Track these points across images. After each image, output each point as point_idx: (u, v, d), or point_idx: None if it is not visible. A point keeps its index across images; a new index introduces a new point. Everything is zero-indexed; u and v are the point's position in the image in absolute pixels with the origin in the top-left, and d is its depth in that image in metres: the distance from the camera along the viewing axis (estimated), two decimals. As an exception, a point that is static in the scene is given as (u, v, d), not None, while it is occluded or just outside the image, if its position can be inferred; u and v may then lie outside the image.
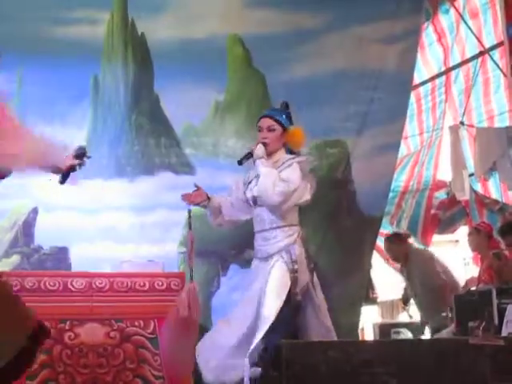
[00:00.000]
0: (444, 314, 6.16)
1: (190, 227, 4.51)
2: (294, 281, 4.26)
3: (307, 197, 4.36)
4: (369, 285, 7.43)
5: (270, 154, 4.40)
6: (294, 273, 4.29)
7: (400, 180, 7.63)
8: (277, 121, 4.45)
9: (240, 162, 4.39)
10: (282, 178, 4.29)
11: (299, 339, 4.20)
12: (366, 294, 7.29)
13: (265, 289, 4.22)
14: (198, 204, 4.50)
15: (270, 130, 4.43)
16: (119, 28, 6.35)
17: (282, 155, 4.42)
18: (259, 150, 4.35)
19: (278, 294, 4.23)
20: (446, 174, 7.49)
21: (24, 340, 3.22)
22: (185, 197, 4.49)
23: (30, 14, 5.99)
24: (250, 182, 4.48)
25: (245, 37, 6.40)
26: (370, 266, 6.90)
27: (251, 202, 4.44)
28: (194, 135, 6.45)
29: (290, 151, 4.45)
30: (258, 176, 4.36)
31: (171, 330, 4.42)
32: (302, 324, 4.28)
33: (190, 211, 4.52)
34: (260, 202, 4.37)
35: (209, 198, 4.49)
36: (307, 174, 4.39)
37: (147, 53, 6.37)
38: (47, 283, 4.68)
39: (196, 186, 4.51)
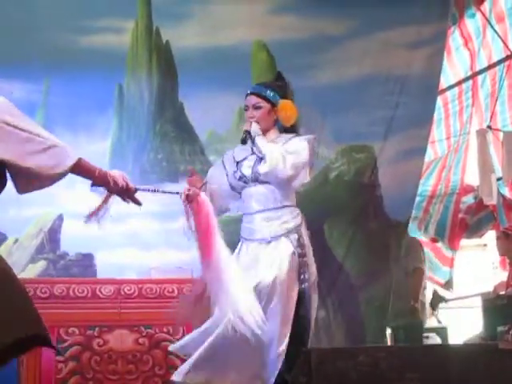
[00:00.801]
0: None
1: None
2: (303, 265, 4.10)
3: (308, 179, 4.23)
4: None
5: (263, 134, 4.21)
6: (303, 257, 4.11)
7: (427, 184, 7.58)
8: (263, 97, 4.24)
9: (244, 141, 4.19)
10: (290, 151, 4.12)
11: None
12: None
13: (275, 280, 4.00)
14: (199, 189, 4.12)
15: (256, 107, 4.23)
16: (144, 36, 6.38)
17: (276, 134, 4.25)
18: (255, 127, 4.18)
19: (292, 288, 4.05)
20: (473, 178, 7.43)
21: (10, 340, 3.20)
22: (191, 181, 4.15)
23: (55, 23, 6.04)
24: (241, 161, 4.27)
25: (270, 43, 6.41)
26: (395, 270, 6.85)
27: (247, 180, 4.21)
28: (218, 142, 6.44)
29: (285, 130, 4.27)
30: (254, 153, 4.19)
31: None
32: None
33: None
34: (267, 178, 4.13)
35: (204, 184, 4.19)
36: (313, 155, 4.24)
37: (172, 61, 6.39)
38: (76, 290, 4.72)
39: (191, 170, 4.29)
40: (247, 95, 4.30)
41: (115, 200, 5.98)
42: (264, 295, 4.01)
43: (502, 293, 6.05)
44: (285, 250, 4.11)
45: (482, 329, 5.78)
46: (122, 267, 5.74)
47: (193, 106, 6.35)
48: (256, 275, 4.06)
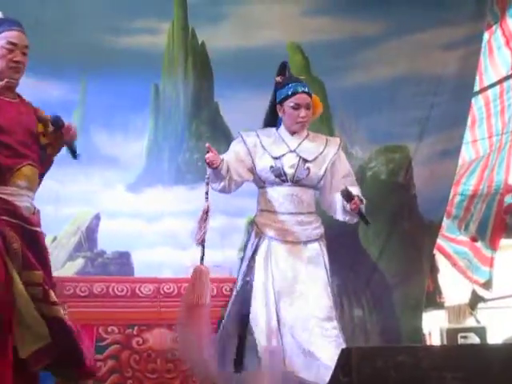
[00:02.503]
0: None
1: (207, 196, 4.17)
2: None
3: None
4: (436, 289, 7.39)
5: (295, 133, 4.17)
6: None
7: (469, 184, 7.55)
8: (310, 96, 4.19)
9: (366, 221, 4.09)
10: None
11: None
12: (433, 298, 7.25)
13: (312, 283, 3.99)
14: (217, 166, 4.06)
15: (308, 107, 4.16)
16: (179, 37, 6.43)
17: (305, 131, 4.22)
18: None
19: (328, 294, 4.04)
20: (516, 177, 7.39)
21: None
22: (209, 157, 4.05)
23: (92, 24, 6.10)
24: (279, 157, 4.14)
25: (304, 45, 6.43)
26: (428, 270, 6.86)
27: (286, 179, 4.10)
28: (253, 143, 6.48)
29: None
30: (293, 151, 4.12)
31: (180, 321, 4.08)
32: None
33: (207, 181, 4.15)
34: (311, 182, 4.09)
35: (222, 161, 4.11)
36: None
37: (207, 61, 6.43)
38: (115, 289, 4.79)
39: (208, 147, 4.09)
40: (296, 93, 4.17)
41: (150, 200, 6.13)
42: (308, 297, 4.01)
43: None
44: (322, 254, 4.11)
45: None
46: (159, 265, 5.81)
47: (228, 107, 6.39)
48: (296, 280, 4.04)
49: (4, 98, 3.58)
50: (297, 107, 4.16)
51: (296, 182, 4.15)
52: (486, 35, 6.87)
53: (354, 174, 4.30)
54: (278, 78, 4.33)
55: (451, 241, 7.39)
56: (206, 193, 4.16)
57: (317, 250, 4.11)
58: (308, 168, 4.18)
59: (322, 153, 4.22)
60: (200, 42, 6.44)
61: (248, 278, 4.14)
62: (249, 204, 6.10)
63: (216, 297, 4.84)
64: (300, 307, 4.02)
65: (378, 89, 6.42)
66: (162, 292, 4.86)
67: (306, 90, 4.21)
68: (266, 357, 3.95)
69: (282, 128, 4.29)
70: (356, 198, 4.02)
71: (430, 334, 7.42)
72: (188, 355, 4.01)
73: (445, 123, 6.58)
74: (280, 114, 4.27)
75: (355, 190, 4.11)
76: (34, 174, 3.60)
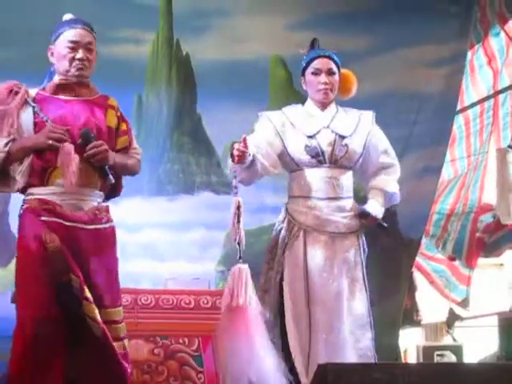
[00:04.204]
0: None
1: (236, 191, 3.69)
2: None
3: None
4: (413, 307, 7.38)
5: (326, 106, 3.82)
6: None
7: (446, 203, 7.56)
8: (335, 62, 3.86)
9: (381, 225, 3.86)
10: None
11: None
12: (410, 316, 7.24)
13: (352, 279, 3.69)
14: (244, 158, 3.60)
15: (330, 73, 3.82)
16: (164, 48, 6.44)
17: (335, 106, 3.88)
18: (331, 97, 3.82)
19: (365, 297, 3.74)
20: (492, 197, 7.41)
21: None
22: (240, 154, 3.60)
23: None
24: (313, 135, 3.77)
25: (287, 58, 6.43)
26: (406, 288, 6.85)
27: (324, 160, 3.71)
28: (234, 156, 6.47)
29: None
30: (327, 127, 3.76)
31: (221, 325, 3.62)
32: None
33: (235, 174, 3.67)
34: (350, 163, 3.72)
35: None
36: None
37: (191, 73, 6.44)
38: (93, 299, 4.73)
39: (244, 139, 3.62)
40: (316, 58, 3.86)
41: (129, 211, 6.09)
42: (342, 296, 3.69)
43: (519, 312, 6.04)
44: (360, 251, 3.80)
45: (497, 348, 5.76)
46: (137, 277, 5.76)
47: (210, 119, 6.40)
48: (333, 279, 3.72)
49: (61, 96, 3.54)
50: (317, 72, 3.85)
51: (334, 162, 3.77)
52: (468, 54, 6.88)
53: (392, 149, 3.97)
54: (304, 50, 4.03)
55: (429, 259, 7.40)
56: (235, 187, 3.68)
57: (355, 246, 3.80)
58: (346, 145, 3.81)
59: (357, 127, 3.89)
60: (184, 54, 6.46)
61: (277, 276, 3.77)
62: (228, 217, 6.11)
63: (194, 309, 4.84)
64: (335, 312, 3.72)
65: (361, 105, 6.39)
66: (140, 303, 4.81)
67: (328, 54, 3.87)
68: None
69: (309, 102, 3.93)
70: (370, 218, 3.77)
71: (406, 351, 7.43)
72: (231, 368, 3.51)
73: (427, 141, 6.60)
74: (304, 87, 3.96)
75: (375, 206, 3.82)
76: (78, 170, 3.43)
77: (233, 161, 3.65)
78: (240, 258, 3.62)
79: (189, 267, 6.11)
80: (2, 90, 3.54)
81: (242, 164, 3.64)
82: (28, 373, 3.25)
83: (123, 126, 3.72)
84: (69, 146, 3.41)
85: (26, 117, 3.49)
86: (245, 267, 3.60)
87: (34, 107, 3.51)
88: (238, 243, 3.62)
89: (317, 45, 3.99)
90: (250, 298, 3.54)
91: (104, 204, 3.59)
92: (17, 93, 3.52)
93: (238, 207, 3.65)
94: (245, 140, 3.63)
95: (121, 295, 3.53)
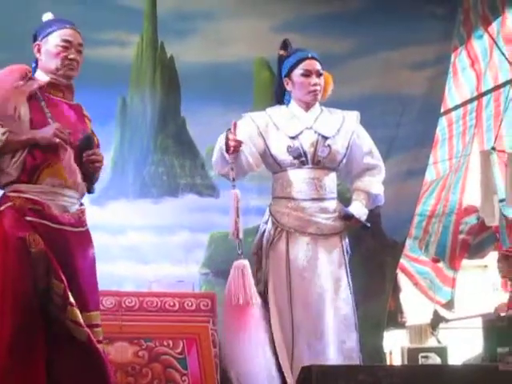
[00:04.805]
0: None
1: (234, 184, 3.71)
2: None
3: None
4: (397, 309, 7.40)
5: (310, 107, 3.81)
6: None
7: (428, 204, 7.60)
8: (320, 64, 3.92)
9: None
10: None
11: None
12: (394, 317, 7.25)
13: (338, 283, 3.69)
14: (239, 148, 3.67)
15: (318, 74, 3.87)
16: (148, 50, 6.42)
17: (319, 107, 3.88)
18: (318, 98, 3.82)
19: (349, 299, 3.77)
20: (475, 199, 7.45)
21: None
22: (236, 143, 3.69)
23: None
24: (295, 136, 3.80)
25: (272, 60, 6.42)
26: (390, 290, 6.87)
27: (306, 161, 3.74)
28: (217, 158, 6.47)
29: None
30: (310, 128, 3.77)
31: (224, 325, 3.75)
32: None
33: (232, 166, 3.72)
34: (333, 164, 3.73)
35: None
36: None
37: (175, 75, 6.42)
38: (77, 301, 4.71)
39: (234, 124, 3.73)
40: (305, 59, 3.89)
41: (114, 213, 6.07)
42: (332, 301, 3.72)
43: (503, 314, 6.06)
44: (343, 252, 3.81)
45: (482, 350, 5.79)
46: (121, 279, 5.74)
47: (194, 122, 6.38)
48: (316, 281, 3.73)
49: (50, 95, 3.50)
50: (307, 74, 3.86)
51: (317, 163, 3.81)
52: (451, 57, 6.91)
53: (377, 150, 3.98)
54: (282, 52, 4.04)
55: (414, 260, 7.43)
56: (233, 179, 3.74)
57: (338, 247, 3.81)
58: (329, 145, 3.86)
59: (340, 128, 3.91)
60: (168, 56, 6.43)
61: (261, 277, 3.80)
62: (212, 219, 6.12)
63: (178, 311, 4.83)
64: (318, 312, 3.74)
65: (345, 107, 6.41)
66: (124, 305, 4.79)
67: (315, 56, 3.92)
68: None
69: (293, 104, 3.94)
70: (354, 220, 3.80)
71: (390, 353, 7.45)
72: (234, 366, 3.62)
73: (411, 143, 6.60)
74: (288, 88, 3.94)
75: (359, 208, 3.83)
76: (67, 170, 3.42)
77: (227, 151, 3.67)
78: (241, 253, 3.67)
79: (173, 270, 6.09)
80: (14, 71, 3.47)
81: (236, 154, 3.69)
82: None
83: (96, 140, 3.71)
84: (71, 152, 3.38)
85: (25, 109, 3.40)
86: (246, 263, 3.65)
87: (41, 100, 3.44)
88: (238, 238, 3.65)
89: (289, 45, 4.03)
90: (252, 294, 3.59)
91: (83, 207, 3.56)
92: (30, 79, 3.46)
93: (237, 201, 3.68)
94: (235, 125, 3.71)
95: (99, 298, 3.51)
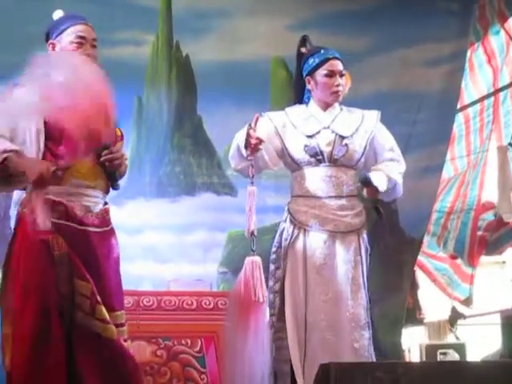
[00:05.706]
0: None
1: (252, 181, 3.70)
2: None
3: None
4: (416, 305, 7.38)
5: (329, 106, 3.82)
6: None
7: (446, 201, 7.56)
8: (343, 64, 3.87)
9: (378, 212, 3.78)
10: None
11: None
12: (413, 314, 7.23)
13: (353, 281, 3.68)
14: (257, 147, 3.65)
15: (342, 75, 3.84)
16: (164, 50, 6.43)
17: (337, 104, 3.89)
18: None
19: (364, 298, 3.76)
20: (493, 195, 7.41)
21: None
22: (257, 141, 3.65)
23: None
24: (313, 135, 3.80)
25: (288, 59, 6.42)
26: (408, 287, 6.85)
27: (323, 159, 3.73)
28: (235, 157, 6.47)
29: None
30: (327, 128, 3.78)
31: (229, 321, 3.67)
32: None
33: (252, 163, 3.70)
34: (350, 162, 3.72)
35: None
36: None
37: (191, 74, 6.43)
38: (95, 301, 4.72)
39: (257, 118, 3.70)
40: (329, 59, 3.86)
41: (131, 213, 6.08)
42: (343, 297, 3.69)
43: (522, 310, 6.05)
44: (360, 250, 3.78)
45: (500, 346, 5.76)
46: (138, 279, 5.76)
47: (211, 120, 6.38)
48: (335, 278, 3.70)
49: None
50: (331, 74, 3.82)
51: (333, 161, 3.78)
52: (467, 53, 6.88)
53: (398, 148, 3.98)
54: (304, 49, 4.00)
55: (432, 257, 7.40)
56: (253, 176, 3.72)
57: (355, 245, 3.78)
58: (346, 145, 3.81)
59: (359, 128, 3.89)
60: (184, 55, 6.44)
61: (280, 275, 3.76)
62: (230, 218, 6.12)
63: (196, 310, 4.84)
64: (333, 311, 3.71)
65: (362, 104, 6.40)
66: (142, 305, 4.82)
67: (338, 55, 3.90)
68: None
69: (312, 103, 3.92)
70: (371, 189, 3.69)
71: (409, 350, 7.42)
72: (237, 365, 3.55)
73: (428, 140, 6.59)
74: (310, 87, 3.91)
75: (380, 178, 3.73)
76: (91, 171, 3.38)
77: (246, 147, 3.68)
78: (254, 250, 3.62)
79: (191, 269, 6.10)
80: None
81: (256, 152, 3.67)
82: None
83: (119, 131, 3.73)
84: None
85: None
86: (257, 259, 3.60)
87: None
88: (252, 234, 3.61)
89: (309, 42, 4.03)
90: (259, 290, 3.54)
91: (107, 206, 3.53)
92: None
93: (253, 197, 3.67)
94: (257, 119, 3.69)
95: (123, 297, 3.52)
